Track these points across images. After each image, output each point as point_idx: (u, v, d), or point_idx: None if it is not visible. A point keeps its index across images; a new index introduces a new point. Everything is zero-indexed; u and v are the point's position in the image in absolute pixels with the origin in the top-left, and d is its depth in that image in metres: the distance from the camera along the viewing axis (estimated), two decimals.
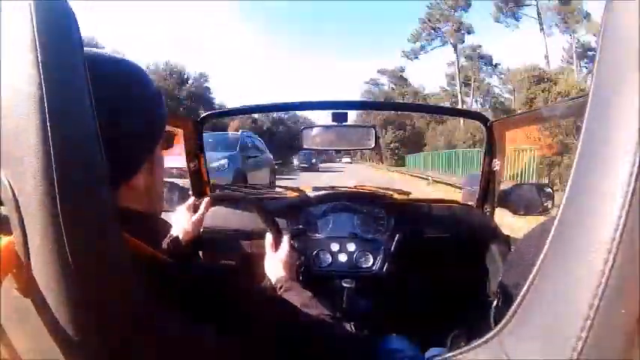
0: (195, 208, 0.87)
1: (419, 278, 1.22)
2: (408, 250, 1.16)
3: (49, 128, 0.27)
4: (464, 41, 26.68)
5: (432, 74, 69.85)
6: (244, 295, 0.47)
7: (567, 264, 0.27)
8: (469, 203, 1.35)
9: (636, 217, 0.23)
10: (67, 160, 0.28)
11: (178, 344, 0.37)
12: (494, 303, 0.54)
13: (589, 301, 0.25)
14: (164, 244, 0.55)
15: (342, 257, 1.15)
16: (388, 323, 0.99)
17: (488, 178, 1.25)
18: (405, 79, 31.72)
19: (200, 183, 1.31)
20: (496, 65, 27.25)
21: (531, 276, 0.29)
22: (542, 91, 13.94)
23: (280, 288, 0.70)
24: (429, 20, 26.90)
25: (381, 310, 1.12)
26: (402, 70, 31.67)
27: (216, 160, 5.57)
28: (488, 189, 1.26)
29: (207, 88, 25.98)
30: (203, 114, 1.32)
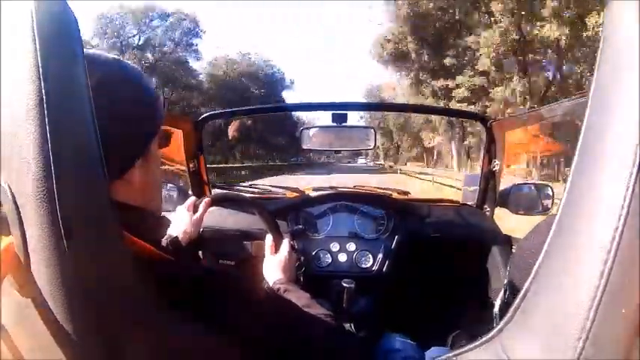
0: (194, 208, 0.87)
1: (419, 278, 1.22)
2: (408, 250, 1.16)
3: (48, 129, 0.27)
4: None
5: None
6: (244, 295, 0.47)
7: (567, 264, 0.27)
8: (469, 203, 1.35)
9: (636, 217, 0.23)
10: (66, 161, 0.28)
11: (178, 343, 0.37)
12: (496, 302, 0.54)
13: (589, 302, 0.25)
14: (163, 244, 0.55)
15: (342, 257, 1.15)
16: (388, 323, 0.99)
17: (488, 178, 1.25)
18: None
19: (200, 183, 1.31)
20: None
21: (531, 276, 0.29)
22: None
23: (278, 290, 0.70)
24: None
25: (381, 310, 1.12)
26: None
27: None
28: (488, 189, 1.26)
29: None
30: (203, 115, 1.32)
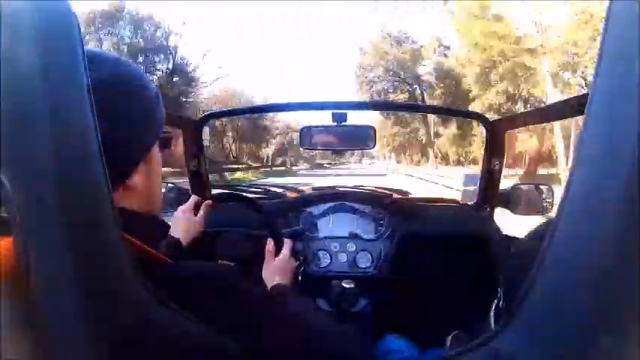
0: (195, 209, 0.87)
1: (418, 278, 1.22)
2: (407, 250, 1.16)
3: (48, 129, 0.27)
4: None
5: None
6: (243, 296, 0.47)
7: (567, 264, 0.27)
8: (469, 203, 1.35)
9: (636, 216, 0.23)
10: (66, 161, 0.28)
11: (178, 345, 0.37)
12: (495, 303, 0.54)
13: (589, 302, 0.25)
14: (164, 245, 0.55)
15: (342, 257, 1.15)
16: (387, 324, 0.99)
17: (488, 178, 1.25)
18: None
19: (200, 183, 1.31)
20: None
21: (531, 276, 0.29)
22: None
23: (277, 293, 0.70)
24: None
25: (381, 310, 1.12)
26: None
27: None
28: (487, 189, 1.26)
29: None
30: (204, 114, 1.32)
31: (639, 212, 0.23)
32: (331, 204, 1.24)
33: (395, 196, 1.36)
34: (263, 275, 0.81)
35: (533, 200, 1.18)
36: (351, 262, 1.15)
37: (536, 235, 0.46)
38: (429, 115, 20.58)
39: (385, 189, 1.45)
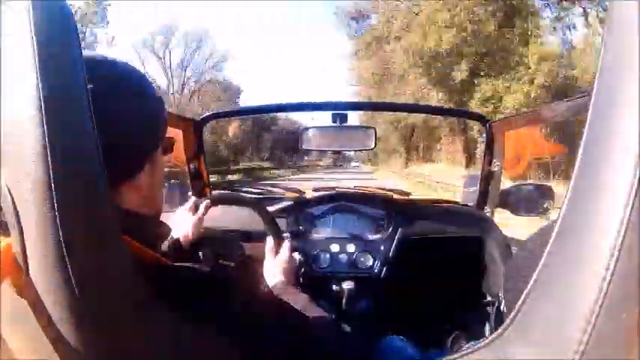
0: (195, 209, 0.87)
1: (419, 279, 1.22)
2: (408, 250, 1.16)
3: (46, 130, 0.27)
4: None
5: None
6: (243, 296, 0.47)
7: (569, 267, 0.27)
8: (469, 204, 1.34)
9: (637, 217, 0.23)
10: (65, 163, 0.28)
11: (178, 346, 0.36)
12: (496, 305, 0.54)
13: (590, 304, 0.24)
14: (164, 246, 0.55)
15: (342, 258, 1.15)
16: (388, 324, 0.99)
17: (489, 179, 1.25)
18: None
19: (200, 184, 1.30)
20: None
21: (533, 278, 0.29)
22: None
23: (278, 293, 0.70)
24: None
25: (381, 311, 1.12)
26: None
27: None
28: (488, 189, 1.26)
29: None
30: (204, 114, 1.32)
31: None
32: (331, 204, 1.24)
33: (395, 196, 1.36)
34: (264, 273, 0.81)
35: (534, 201, 1.18)
36: (352, 262, 1.15)
37: (538, 237, 0.46)
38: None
39: (385, 189, 1.45)
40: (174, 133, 1.19)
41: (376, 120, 20.10)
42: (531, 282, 0.29)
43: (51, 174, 0.27)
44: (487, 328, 1.13)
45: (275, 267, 0.80)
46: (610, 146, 0.25)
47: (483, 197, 1.28)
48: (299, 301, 0.65)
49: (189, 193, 1.27)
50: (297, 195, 1.33)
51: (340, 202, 1.25)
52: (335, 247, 1.16)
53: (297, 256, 0.92)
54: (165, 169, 0.53)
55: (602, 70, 0.26)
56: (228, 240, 1.13)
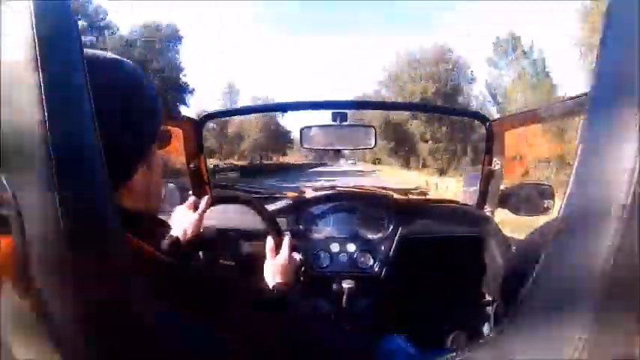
0: (195, 207, 0.87)
1: (419, 278, 1.22)
2: (408, 250, 1.16)
3: (47, 128, 0.27)
4: None
5: None
6: (243, 296, 0.47)
7: (568, 264, 0.27)
8: (469, 203, 1.34)
9: (637, 216, 0.23)
10: (66, 161, 0.28)
11: (178, 345, 0.37)
12: (496, 304, 0.54)
13: (590, 301, 0.24)
14: (164, 244, 0.55)
15: (342, 258, 1.15)
16: (388, 323, 0.99)
17: (489, 178, 1.25)
18: None
19: (200, 183, 1.30)
20: None
21: (533, 278, 0.29)
22: None
23: (277, 293, 0.70)
24: None
25: (381, 311, 1.12)
26: None
27: None
28: (488, 189, 1.26)
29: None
30: (204, 114, 1.32)
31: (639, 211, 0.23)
32: (331, 204, 1.24)
33: (395, 196, 1.36)
34: (264, 274, 0.81)
35: (534, 200, 1.18)
36: (352, 262, 1.15)
37: (538, 235, 0.46)
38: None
39: (385, 189, 1.45)
40: (174, 132, 1.19)
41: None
42: (531, 279, 0.29)
43: (52, 173, 0.27)
44: (487, 327, 1.13)
45: (275, 267, 0.80)
46: (609, 145, 0.25)
47: (483, 197, 1.28)
48: (299, 301, 0.65)
49: (190, 193, 1.27)
50: (297, 194, 1.32)
51: (340, 201, 1.25)
52: (335, 247, 1.16)
53: (297, 255, 0.92)
54: (166, 169, 0.52)
55: (602, 70, 0.26)
56: (228, 239, 1.13)
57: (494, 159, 1.22)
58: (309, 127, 1.21)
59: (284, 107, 1.50)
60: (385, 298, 1.15)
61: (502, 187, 1.25)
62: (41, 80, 0.27)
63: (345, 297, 1.09)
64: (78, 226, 0.29)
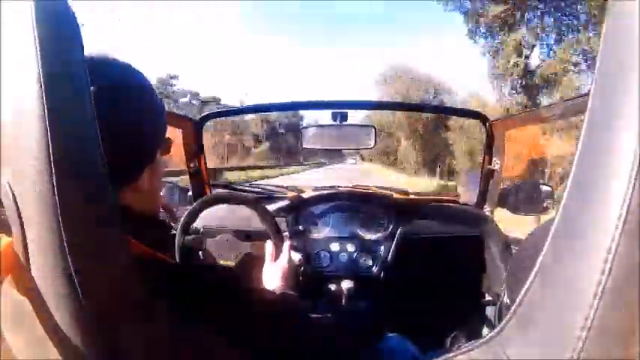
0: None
1: (418, 278, 1.22)
2: (407, 250, 1.16)
3: (48, 130, 0.27)
4: None
5: None
6: (243, 296, 0.47)
7: (567, 264, 0.27)
8: (469, 203, 1.34)
9: (637, 217, 0.23)
10: (67, 162, 0.28)
11: (178, 345, 0.37)
12: (496, 304, 0.54)
13: (589, 301, 0.25)
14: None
15: (342, 257, 1.15)
16: (388, 323, 0.99)
17: (489, 178, 1.25)
18: None
19: (200, 183, 1.30)
20: None
21: (532, 276, 0.29)
22: None
23: (277, 294, 0.69)
24: None
25: (381, 310, 1.12)
26: None
27: None
28: (488, 188, 1.26)
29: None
30: (203, 114, 1.32)
31: (639, 212, 0.23)
32: (331, 204, 1.24)
33: (395, 195, 1.36)
34: (263, 277, 0.81)
35: (534, 200, 1.18)
36: (352, 262, 1.15)
37: (537, 235, 0.46)
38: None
39: (385, 189, 1.45)
40: (175, 132, 1.19)
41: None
42: (530, 280, 0.29)
43: (53, 173, 0.27)
44: (486, 326, 1.13)
45: (275, 270, 0.80)
46: (609, 145, 0.25)
47: (483, 196, 1.28)
48: (299, 302, 0.65)
49: (189, 193, 1.27)
50: (297, 194, 1.32)
51: (340, 201, 1.25)
52: (335, 247, 1.16)
53: (296, 255, 0.92)
54: (166, 169, 0.53)
55: (602, 70, 0.26)
56: (228, 240, 1.13)
57: (494, 159, 1.22)
58: (309, 127, 1.22)
59: (283, 107, 1.50)
60: (385, 298, 1.15)
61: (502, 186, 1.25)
62: (43, 81, 0.27)
63: (344, 297, 1.09)
64: (79, 227, 0.29)
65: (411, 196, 1.41)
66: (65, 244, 0.28)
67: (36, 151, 0.27)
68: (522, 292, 0.30)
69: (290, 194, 1.34)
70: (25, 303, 0.31)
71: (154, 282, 0.35)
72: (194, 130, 1.25)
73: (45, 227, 0.28)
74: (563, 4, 11.73)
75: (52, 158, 0.27)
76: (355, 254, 1.15)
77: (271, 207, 1.14)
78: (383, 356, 0.78)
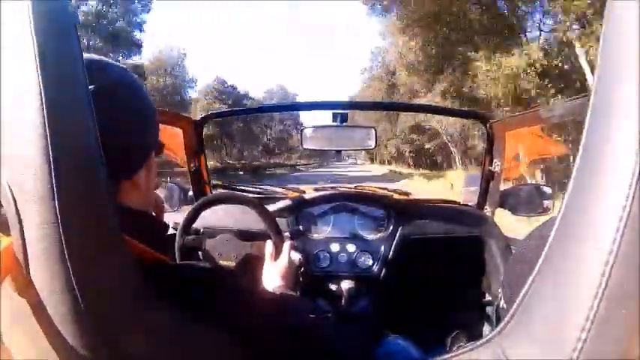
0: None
1: (419, 279, 1.22)
2: (407, 250, 1.16)
3: (47, 130, 0.27)
4: None
5: None
6: (243, 296, 0.47)
7: (567, 264, 0.27)
8: (469, 204, 1.34)
9: (637, 217, 0.23)
10: (66, 162, 0.28)
11: (178, 345, 0.37)
12: (496, 304, 0.54)
13: (589, 302, 0.24)
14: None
15: (342, 258, 1.15)
16: (388, 324, 0.99)
17: (489, 179, 1.25)
18: None
19: (200, 183, 1.30)
20: None
21: (532, 277, 0.29)
22: None
23: (277, 294, 0.69)
24: None
25: (381, 311, 1.12)
26: None
27: None
28: (488, 189, 1.26)
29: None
30: (203, 114, 1.32)
31: (639, 212, 0.23)
32: (332, 204, 1.24)
33: (395, 196, 1.36)
34: (263, 277, 0.81)
35: (534, 201, 1.18)
36: (352, 262, 1.15)
37: (537, 236, 0.46)
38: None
39: (386, 189, 1.45)
40: (175, 132, 1.19)
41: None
42: (530, 281, 0.29)
43: (52, 173, 0.27)
44: (486, 327, 1.13)
45: (275, 271, 0.80)
46: (609, 146, 0.25)
47: (484, 197, 1.28)
48: (299, 302, 0.65)
49: (190, 193, 1.27)
50: (297, 194, 1.32)
51: (340, 201, 1.24)
52: (335, 247, 1.16)
53: (297, 255, 0.91)
54: (165, 169, 0.54)
55: (602, 70, 0.26)
56: (228, 240, 1.13)
57: (495, 159, 1.22)
58: (309, 128, 1.21)
59: (283, 108, 1.50)
60: (385, 299, 1.15)
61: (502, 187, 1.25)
62: (41, 81, 0.28)
63: (344, 297, 1.09)
64: (78, 226, 0.29)
65: (411, 197, 1.41)
66: (64, 244, 0.28)
67: (35, 151, 0.27)
68: (522, 292, 0.30)
69: (290, 194, 1.34)
70: (24, 304, 0.31)
71: (154, 282, 0.35)
72: (194, 129, 1.25)
73: (44, 228, 0.28)
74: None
75: (51, 158, 0.27)
76: (355, 254, 1.15)
77: (272, 207, 1.14)
78: (383, 357, 0.78)
